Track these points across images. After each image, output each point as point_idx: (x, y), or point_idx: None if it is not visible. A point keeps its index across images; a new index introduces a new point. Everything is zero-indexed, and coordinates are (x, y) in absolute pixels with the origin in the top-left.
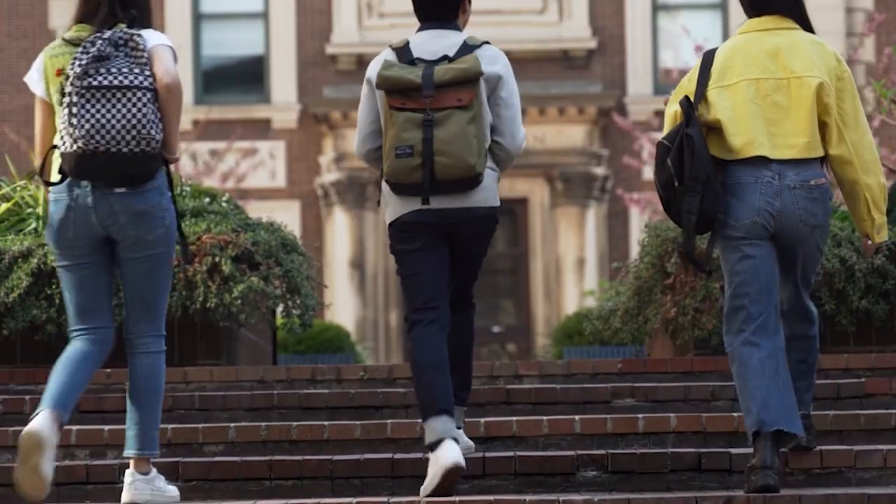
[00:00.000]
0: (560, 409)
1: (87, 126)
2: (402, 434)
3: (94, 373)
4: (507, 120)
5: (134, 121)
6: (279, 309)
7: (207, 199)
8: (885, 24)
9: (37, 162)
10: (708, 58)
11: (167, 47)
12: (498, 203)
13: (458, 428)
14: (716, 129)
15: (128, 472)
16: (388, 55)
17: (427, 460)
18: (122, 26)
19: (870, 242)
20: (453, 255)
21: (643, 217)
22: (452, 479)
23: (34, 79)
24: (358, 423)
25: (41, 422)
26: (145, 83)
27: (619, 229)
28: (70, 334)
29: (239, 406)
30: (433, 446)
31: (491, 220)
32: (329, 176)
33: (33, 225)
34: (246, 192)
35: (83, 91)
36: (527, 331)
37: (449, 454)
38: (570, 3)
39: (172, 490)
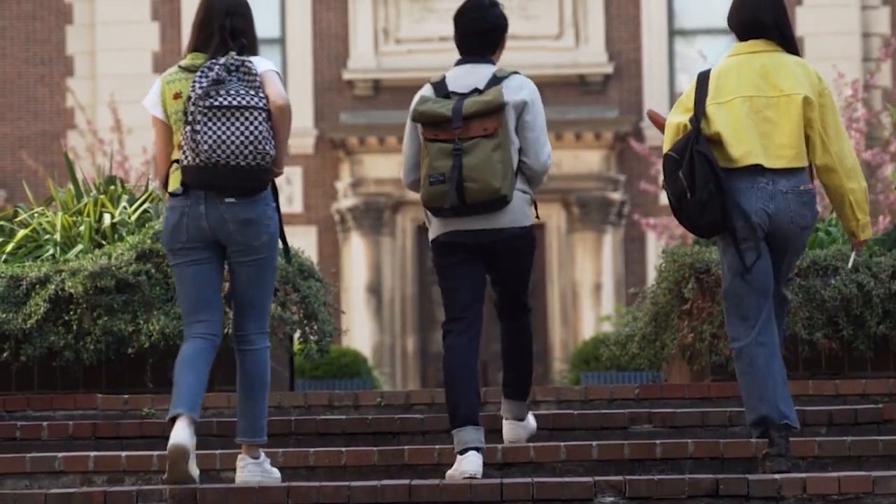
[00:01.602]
0: (577, 435)
1: (210, 142)
2: (419, 460)
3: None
4: (531, 141)
5: (251, 137)
6: (296, 335)
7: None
8: None
9: (159, 175)
10: (703, 77)
11: (275, 72)
12: (529, 223)
13: (521, 419)
14: (715, 141)
15: (240, 457)
16: (427, 90)
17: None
18: (233, 54)
19: (857, 241)
20: (494, 271)
21: (660, 242)
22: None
23: (153, 101)
24: (375, 449)
25: (181, 432)
26: (260, 104)
27: (635, 254)
28: (185, 332)
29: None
30: (460, 453)
31: (522, 238)
32: (346, 201)
33: (50, 251)
34: None
35: (205, 110)
36: (544, 356)
37: (468, 466)
38: (587, 28)
39: (276, 472)
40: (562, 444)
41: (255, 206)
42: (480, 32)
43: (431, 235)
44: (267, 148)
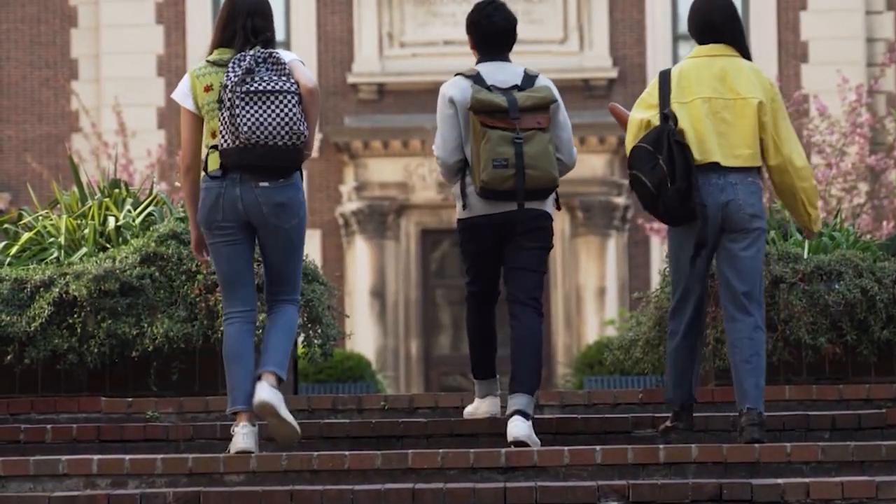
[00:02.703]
0: (581, 439)
1: (249, 124)
2: (423, 464)
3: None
4: (564, 140)
5: (287, 119)
6: (300, 338)
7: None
8: None
9: (183, 163)
10: (665, 75)
11: (300, 61)
12: (552, 210)
13: (528, 416)
14: None
15: (260, 382)
16: (462, 81)
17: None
18: (258, 48)
19: (809, 233)
20: (516, 250)
21: (664, 246)
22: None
23: (183, 94)
24: (379, 452)
25: (246, 438)
26: (292, 88)
27: (639, 258)
28: (224, 308)
29: (260, 436)
30: (481, 397)
31: (547, 219)
32: (350, 205)
33: (55, 254)
34: None
35: (243, 95)
36: (547, 360)
37: (490, 407)
38: (591, 32)
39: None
40: (565, 448)
41: (287, 189)
42: (504, 31)
43: (465, 215)
44: (301, 128)
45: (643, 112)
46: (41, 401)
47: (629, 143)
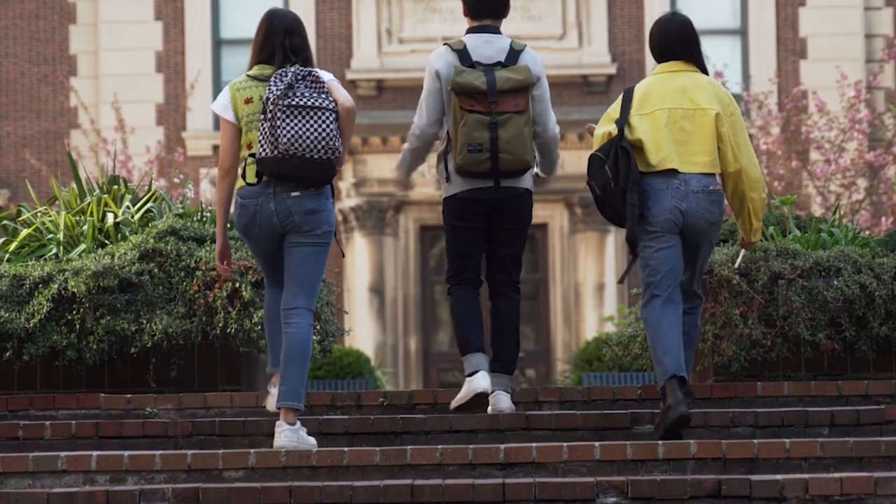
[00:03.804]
0: (580, 436)
1: (289, 136)
2: (421, 460)
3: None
4: (541, 113)
5: (324, 134)
6: None
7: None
8: None
9: (221, 168)
10: (629, 92)
11: (337, 81)
12: (532, 188)
13: (507, 392)
14: (637, 147)
15: (278, 423)
16: (448, 54)
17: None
18: (298, 66)
19: (747, 243)
20: (498, 231)
21: None
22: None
23: (224, 106)
24: (378, 449)
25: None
26: (330, 105)
27: None
28: (265, 291)
29: (259, 432)
30: (470, 375)
31: (527, 198)
32: (349, 201)
33: (54, 250)
34: None
35: (285, 109)
36: (546, 356)
37: (480, 382)
38: (590, 28)
39: (312, 440)
40: (564, 444)
41: (318, 198)
42: None
43: (450, 193)
44: (336, 144)
45: (606, 126)
46: (40, 397)
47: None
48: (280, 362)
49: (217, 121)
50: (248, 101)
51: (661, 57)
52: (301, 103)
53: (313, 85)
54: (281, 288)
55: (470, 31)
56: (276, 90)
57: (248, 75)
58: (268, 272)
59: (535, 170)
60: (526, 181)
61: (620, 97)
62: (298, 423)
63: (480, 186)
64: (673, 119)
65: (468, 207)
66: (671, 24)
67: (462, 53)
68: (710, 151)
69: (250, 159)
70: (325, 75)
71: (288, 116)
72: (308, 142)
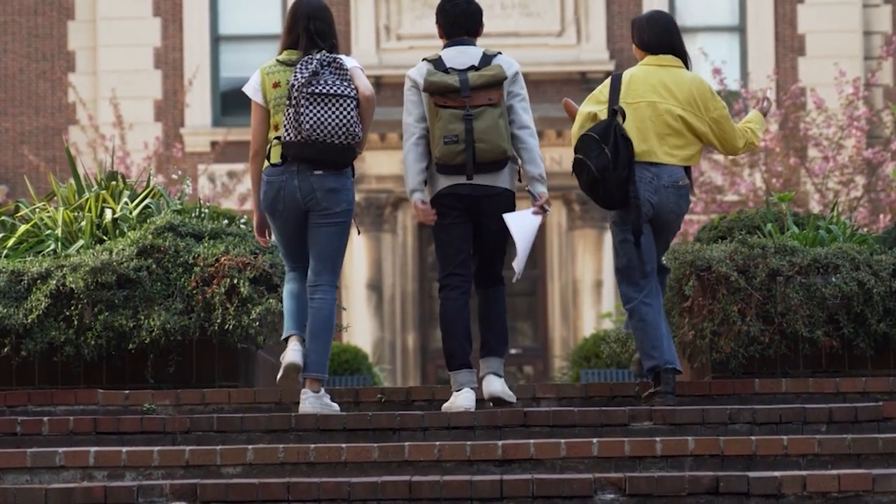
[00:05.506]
0: (578, 432)
1: (311, 122)
2: (419, 457)
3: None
4: (519, 108)
5: (345, 120)
6: None
7: (226, 221)
8: None
9: (252, 149)
10: (616, 79)
11: (360, 68)
12: (514, 189)
13: (500, 375)
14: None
15: (303, 390)
16: (424, 66)
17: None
18: (324, 52)
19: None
20: (481, 230)
21: None
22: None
23: (254, 88)
24: (375, 445)
25: (295, 353)
26: (352, 93)
27: None
28: (286, 269)
29: (257, 428)
30: (457, 391)
31: (509, 199)
32: None
33: (52, 246)
34: None
35: (308, 96)
36: (544, 353)
37: (464, 401)
38: (588, 25)
39: (335, 406)
40: (562, 440)
41: (339, 177)
42: (468, 14)
43: (433, 192)
44: (356, 130)
45: (592, 106)
46: (38, 393)
47: (576, 133)
48: (295, 327)
49: (215, 117)
50: (276, 84)
51: (650, 49)
52: (324, 91)
53: (337, 72)
54: (299, 276)
55: (446, 46)
56: (301, 77)
57: (277, 60)
58: (288, 257)
59: (523, 168)
60: (504, 180)
61: (608, 81)
62: (323, 390)
63: (460, 182)
64: (657, 113)
65: (449, 203)
66: (658, 20)
67: (437, 62)
68: (689, 145)
69: (275, 141)
70: (350, 62)
71: (311, 104)
72: (329, 128)
